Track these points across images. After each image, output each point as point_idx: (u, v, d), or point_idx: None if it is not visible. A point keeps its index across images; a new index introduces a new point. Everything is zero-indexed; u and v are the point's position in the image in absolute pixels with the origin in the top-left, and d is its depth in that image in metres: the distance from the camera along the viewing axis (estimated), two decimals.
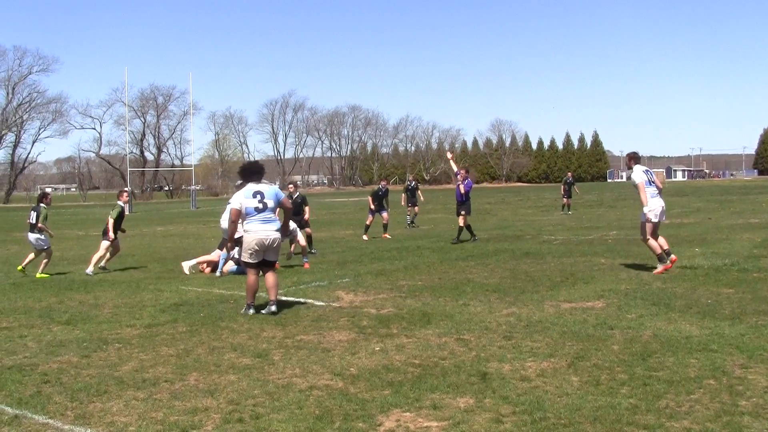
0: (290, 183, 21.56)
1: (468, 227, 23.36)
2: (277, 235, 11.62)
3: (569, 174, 42.68)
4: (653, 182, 15.15)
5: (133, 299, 13.15)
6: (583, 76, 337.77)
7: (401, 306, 11.72)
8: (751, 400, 6.55)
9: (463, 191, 23.25)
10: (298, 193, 20.48)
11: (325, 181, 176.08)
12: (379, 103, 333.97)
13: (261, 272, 11.73)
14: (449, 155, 26.30)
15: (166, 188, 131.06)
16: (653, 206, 14.95)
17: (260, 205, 11.50)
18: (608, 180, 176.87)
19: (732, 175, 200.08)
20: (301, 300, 12.53)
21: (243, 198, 11.61)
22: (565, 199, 40.69)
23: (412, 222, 31.98)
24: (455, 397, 6.88)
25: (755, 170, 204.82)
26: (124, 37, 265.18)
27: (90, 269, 17.15)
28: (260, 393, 7.17)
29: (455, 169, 24.04)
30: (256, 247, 11.45)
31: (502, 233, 26.61)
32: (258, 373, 7.94)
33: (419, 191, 33.20)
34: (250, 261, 11.64)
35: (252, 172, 11.95)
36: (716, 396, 6.69)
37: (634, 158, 15.66)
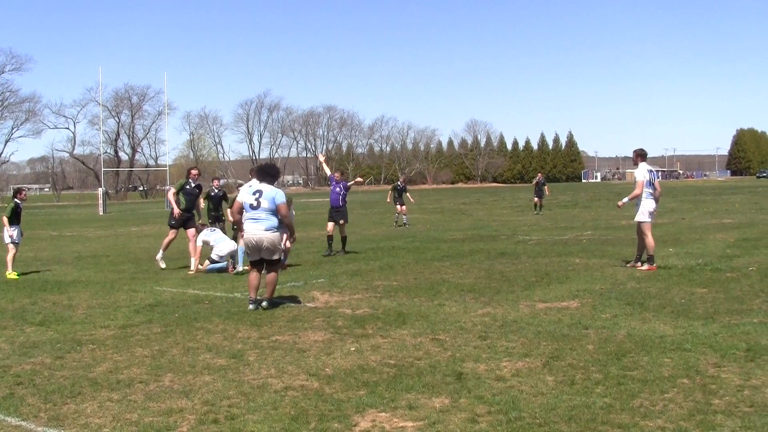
0: (214, 178, 21.29)
1: (344, 239, 20.38)
2: (265, 234, 11.68)
3: (539, 175, 42.90)
4: (652, 183, 15.29)
5: (107, 300, 13.08)
6: (558, 76, 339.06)
7: (376, 306, 11.72)
8: (725, 399, 6.59)
9: (340, 196, 20.44)
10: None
11: (301, 182, 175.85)
12: (355, 104, 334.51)
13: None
14: (321, 158, 24.03)
15: (141, 188, 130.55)
16: (647, 206, 15.21)
17: (255, 203, 11.74)
18: (583, 180, 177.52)
19: (705, 175, 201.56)
20: (277, 300, 12.50)
21: (244, 193, 12.06)
22: (536, 199, 40.87)
23: (398, 221, 32.61)
24: (431, 397, 6.89)
25: (728, 171, 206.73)
26: (99, 37, 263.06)
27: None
28: (235, 394, 7.15)
29: (328, 172, 21.33)
30: (248, 244, 11.84)
31: (477, 233, 26.65)
32: (233, 373, 7.92)
33: (407, 193, 33.82)
34: (249, 258, 12.19)
35: (266, 173, 12.11)
36: (690, 395, 6.73)
37: (641, 155, 15.74)
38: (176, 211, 17.62)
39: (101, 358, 8.80)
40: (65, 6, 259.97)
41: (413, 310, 11.23)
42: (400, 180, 35.97)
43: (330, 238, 20.29)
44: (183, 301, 12.78)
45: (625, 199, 15.45)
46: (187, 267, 17.56)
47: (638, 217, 15.34)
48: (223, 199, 19.33)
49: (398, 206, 32.93)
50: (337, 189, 20.41)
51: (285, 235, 13.91)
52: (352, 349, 8.89)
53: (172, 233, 17.93)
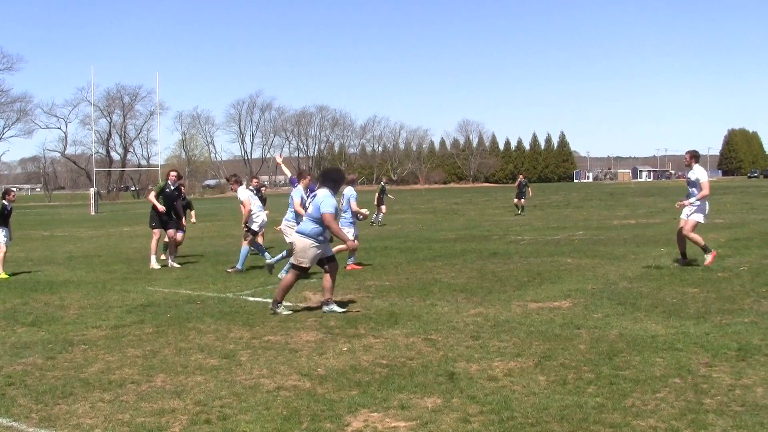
0: (253, 177, 21.08)
1: None
2: (294, 236, 11.71)
3: (521, 176, 43.00)
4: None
5: (99, 300, 13.06)
6: (550, 76, 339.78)
7: (369, 306, 11.72)
8: (716, 398, 6.61)
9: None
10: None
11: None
12: (347, 104, 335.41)
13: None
14: (279, 159, 21.71)
15: (133, 188, 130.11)
16: (705, 208, 15.27)
17: (308, 206, 11.73)
18: (575, 180, 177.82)
19: None
20: (269, 300, 12.49)
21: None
22: (516, 200, 40.84)
23: (377, 221, 33.13)
24: (423, 397, 6.89)
25: (719, 171, 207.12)
26: (90, 36, 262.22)
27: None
28: (227, 394, 7.14)
29: (288, 173, 19.39)
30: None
31: (469, 233, 26.67)
32: (225, 374, 7.91)
33: (387, 193, 34.45)
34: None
35: (329, 178, 11.75)
36: (681, 394, 6.74)
37: (695, 156, 15.70)
38: (160, 208, 18.01)
39: (93, 358, 8.78)
40: (57, 5, 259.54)
41: (405, 310, 11.24)
42: (384, 180, 36.75)
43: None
44: (175, 301, 12.76)
45: (693, 199, 15.16)
46: (165, 266, 18.17)
47: (695, 217, 15.21)
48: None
49: (382, 207, 33.73)
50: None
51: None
52: (345, 349, 8.89)
53: (155, 234, 18.28)
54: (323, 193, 11.41)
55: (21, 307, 12.62)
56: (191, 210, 20.46)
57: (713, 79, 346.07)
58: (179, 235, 18.74)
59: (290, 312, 11.30)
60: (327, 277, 11.55)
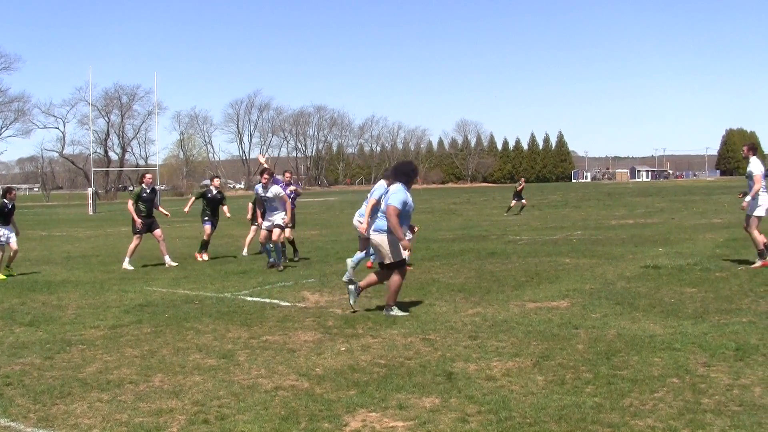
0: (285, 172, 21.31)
1: (293, 242, 19.55)
2: (371, 235, 11.33)
3: (522, 180, 43.42)
4: (766, 176, 15.03)
5: (97, 300, 13.05)
6: (548, 76, 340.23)
7: (367, 306, 11.71)
8: (714, 398, 6.61)
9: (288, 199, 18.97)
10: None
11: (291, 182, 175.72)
12: (345, 104, 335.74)
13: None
14: (261, 159, 22.36)
15: (131, 188, 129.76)
16: (763, 201, 14.95)
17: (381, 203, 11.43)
18: (573, 180, 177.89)
19: (695, 175, 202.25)
20: (267, 300, 12.50)
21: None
22: (513, 202, 40.87)
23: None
24: (421, 396, 6.89)
25: (717, 171, 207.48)
26: (88, 36, 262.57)
27: None
28: (226, 394, 7.14)
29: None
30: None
31: (467, 233, 26.67)
32: (223, 373, 7.91)
33: None
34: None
35: (400, 172, 11.48)
36: (679, 394, 6.75)
37: (752, 148, 15.47)
38: (138, 222, 18.40)
39: (91, 358, 8.78)
40: (55, 5, 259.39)
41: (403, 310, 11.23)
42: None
43: (290, 242, 19.29)
44: (173, 301, 12.76)
45: (748, 198, 15.01)
46: (161, 265, 18.37)
47: (757, 212, 14.94)
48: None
49: None
50: (287, 191, 18.98)
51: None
52: (343, 349, 8.89)
53: (136, 239, 18.50)
54: (395, 188, 11.14)
55: (19, 307, 12.61)
56: (224, 205, 20.69)
57: (711, 79, 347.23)
58: (157, 232, 18.94)
59: (406, 313, 10.99)
60: (373, 277, 11.36)
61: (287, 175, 19.62)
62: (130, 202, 18.77)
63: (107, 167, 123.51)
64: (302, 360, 8.41)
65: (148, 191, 18.75)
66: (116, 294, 13.68)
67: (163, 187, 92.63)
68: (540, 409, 6.39)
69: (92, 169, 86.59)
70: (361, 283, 11.38)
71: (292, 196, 18.99)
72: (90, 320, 11.17)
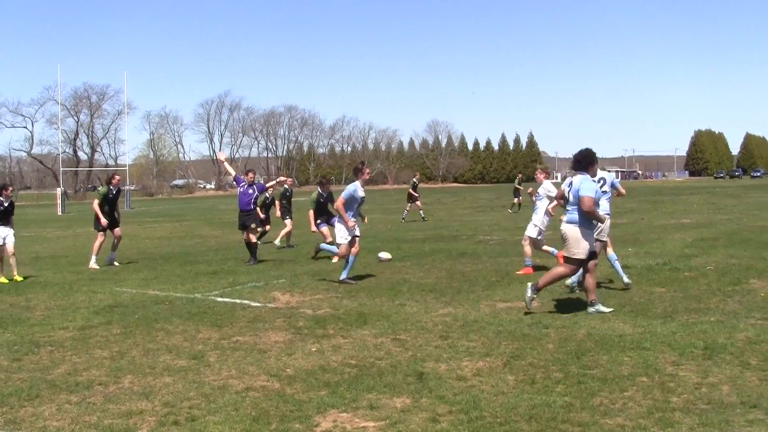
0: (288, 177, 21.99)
1: (255, 244, 18.97)
2: (563, 226, 10.93)
3: (520, 175, 44.50)
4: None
5: (65, 301, 12.96)
6: (518, 77, 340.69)
7: (337, 306, 11.71)
8: (682, 396, 6.67)
9: (252, 198, 18.99)
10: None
11: (262, 181, 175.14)
12: (316, 104, 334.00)
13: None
14: (221, 156, 21.96)
15: (99, 187, 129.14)
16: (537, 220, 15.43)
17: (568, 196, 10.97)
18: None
19: (664, 176, 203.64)
20: (237, 301, 12.46)
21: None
22: (516, 200, 42.52)
23: (422, 216, 35.55)
24: (392, 397, 6.90)
25: (686, 171, 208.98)
26: (57, 35, 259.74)
27: None
28: (196, 395, 7.11)
29: (232, 172, 19.70)
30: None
31: (438, 233, 26.70)
32: (194, 374, 7.88)
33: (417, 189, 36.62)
34: None
35: (577, 161, 11.22)
36: (649, 393, 6.80)
37: (546, 171, 15.75)
38: (103, 222, 18.79)
39: (60, 359, 8.72)
40: (22, 3, 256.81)
41: (374, 311, 11.24)
42: (416, 177, 38.97)
43: (250, 244, 18.71)
44: (143, 302, 12.69)
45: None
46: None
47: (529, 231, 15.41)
48: (291, 197, 23.73)
49: (417, 202, 35.92)
50: (250, 191, 18.89)
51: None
52: (313, 349, 8.88)
53: (100, 236, 18.91)
54: (580, 178, 10.85)
55: None
56: (275, 206, 23.46)
57: (681, 81, 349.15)
58: (117, 231, 19.32)
59: (611, 309, 10.70)
60: (588, 276, 10.92)
61: (250, 175, 19.48)
62: (96, 201, 19.14)
63: (76, 167, 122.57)
64: (273, 360, 8.39)
65: (114, 192, 19.26)
66: (85, 295, 13.59)
67: (132, 187, 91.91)
68: (510, 409, 6.42)
69: (61, 168, 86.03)
70: (540, 282, 10.97)
71: (256, 194, 19.08)
72: (59, 321, 11.08)
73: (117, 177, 19.65)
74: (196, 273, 16.42)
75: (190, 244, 24.78)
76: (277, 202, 23.65)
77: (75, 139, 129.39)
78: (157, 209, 62.70)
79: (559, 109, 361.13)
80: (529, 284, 10.84)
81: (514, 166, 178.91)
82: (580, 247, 10.65)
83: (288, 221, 22.97)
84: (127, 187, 75.96)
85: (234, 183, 19.00)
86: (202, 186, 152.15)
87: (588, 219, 10.70)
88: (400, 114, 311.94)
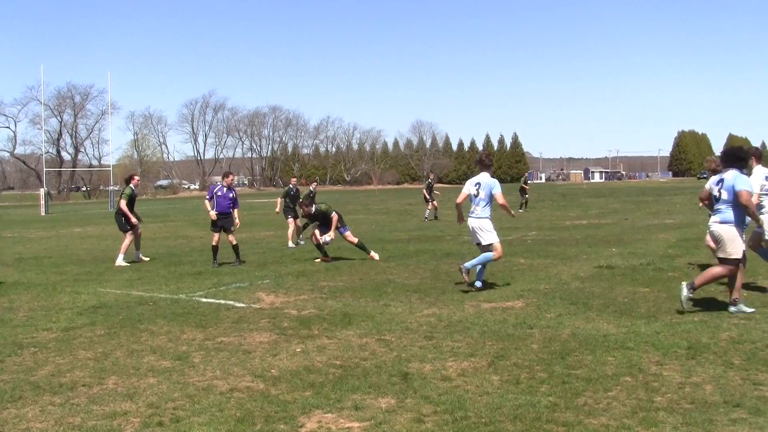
0: (293, 177, 22.52)
1: (236, 247, 18.48)
2: (721, 228, 10.51)
3: (527, 174, 45.20)
4: None
5: (49, 302, 12.90)
6: (503, 78, 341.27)
7: (322, 307, 11.70)
8: (666, 396, 6.69)
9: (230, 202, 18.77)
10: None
11: (246, 182, 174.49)
12: (300, 104, 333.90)
13: None
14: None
15: (84, 189, 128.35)
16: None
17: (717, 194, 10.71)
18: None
19: (648, 176, 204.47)
20: (222, 301, 12.44)
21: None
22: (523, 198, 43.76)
23: (434, 216, 36.00)
24: (377, 397, 6.90)
25: (670, 172, 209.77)
26: (40, 34, 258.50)
27: None
28: (180, 396, 7.10)
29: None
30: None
31: (422, 234, 26.73)
32: (178, 375, 7.86)
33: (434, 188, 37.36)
34: None
35: (731, 157, 10.81)
36: (633, 392, 6.82)
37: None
38: (134, 220, 19.30)
39: (43, 361, 8.68)
40: (4, 1, 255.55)
41: (359, 311, 11.24)
42: (431, 177, 39.74)
43: (215, 248, 18.35)
44: (127, 302, 12.65)
45: None
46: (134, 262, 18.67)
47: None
48: (296, 196, 23.97)
49: (434, 202, 36.60)
50: (230, 195, 18.63)
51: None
52: (298, 350, 8.87)
53: (129, 236, 19.43)
54: (732, 174, 10.52)
55: None
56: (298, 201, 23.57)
57: (664, 81, 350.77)
58: (138, 229, 19.83)
59: (753, 310, 10.46)
60: (738, 274, 10.63)
61: (230, 177, 19.11)
62: (123, 202, 19.47)
63: (60, 167, 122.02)
64: (257, 361, 8.38)
65: (136, 192, 20.09)
66: (69, 296, 13.53)
67: (117, 188, 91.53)
68: (495, 409, 6.43)
69: (44, 169, 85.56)
70: (696, 281, 10.74)
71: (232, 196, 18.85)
72: (42, 322, 11.03)
73: (136, 177, 20.42)
74: (180, 274, 16.38)
75: (175, 244, 24.72)
76: (279, 199, 24.46)
77: (58, 140, 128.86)
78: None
79: (543, 109, 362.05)
80: (684, 283, 10.65)
81: (498, 167, 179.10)
82: (736, 246, 10.46)
83: (290, 220, 23.57)
84: (110, 188, 75.66)
85: (208, 197, 18.51)
86: (186, 186, 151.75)
87: (742, 217, 10.53)
88: (384, 114, 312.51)
